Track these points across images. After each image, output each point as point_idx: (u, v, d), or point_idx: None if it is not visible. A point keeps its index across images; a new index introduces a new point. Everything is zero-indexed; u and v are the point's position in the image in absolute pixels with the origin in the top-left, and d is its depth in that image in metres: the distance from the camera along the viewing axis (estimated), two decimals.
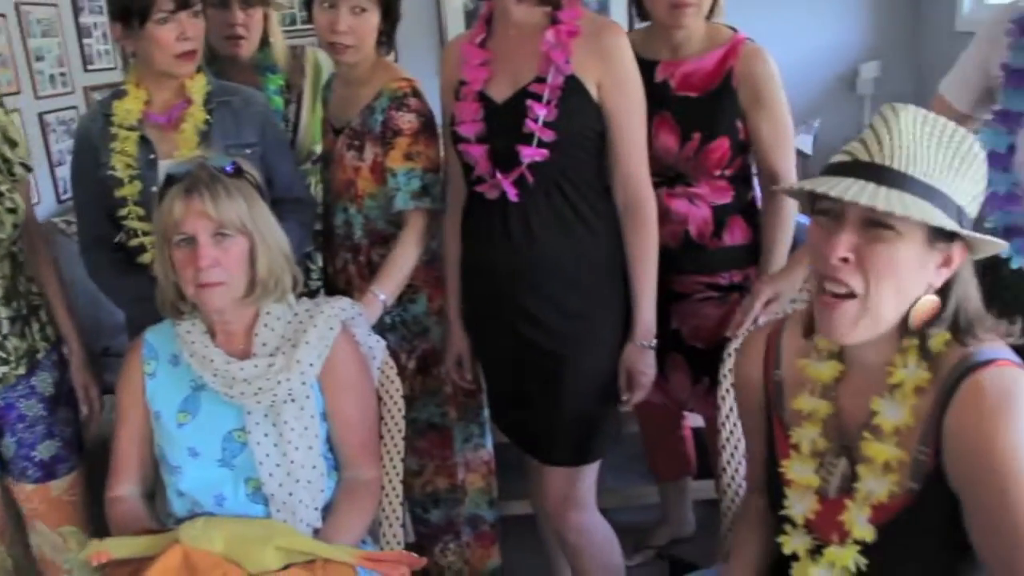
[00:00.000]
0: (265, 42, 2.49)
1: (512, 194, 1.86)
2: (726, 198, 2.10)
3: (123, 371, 1.81)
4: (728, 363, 1.82)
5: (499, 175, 1.87)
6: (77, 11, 3.80)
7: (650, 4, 2.02)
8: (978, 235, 1.18)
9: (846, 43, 4.09)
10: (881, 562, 1.24)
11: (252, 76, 2.47)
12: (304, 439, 1.72)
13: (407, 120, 2.05)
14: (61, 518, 2.08)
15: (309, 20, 2.11)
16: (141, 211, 2.02)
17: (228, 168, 1.69)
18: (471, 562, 2.43)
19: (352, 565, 1.64)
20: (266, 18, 2.48)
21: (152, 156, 2.03)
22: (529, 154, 1.84)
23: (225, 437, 1.73)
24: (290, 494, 1.71)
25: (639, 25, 2.19)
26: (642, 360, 1.94)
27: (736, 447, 1.81)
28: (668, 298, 2.08)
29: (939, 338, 1.21)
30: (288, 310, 1.77)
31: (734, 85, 2.02)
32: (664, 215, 2.02)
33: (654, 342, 1.95)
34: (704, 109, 2.03)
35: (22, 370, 1.95)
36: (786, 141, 2.07)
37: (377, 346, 1.90)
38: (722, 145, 2.03)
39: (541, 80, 1.85)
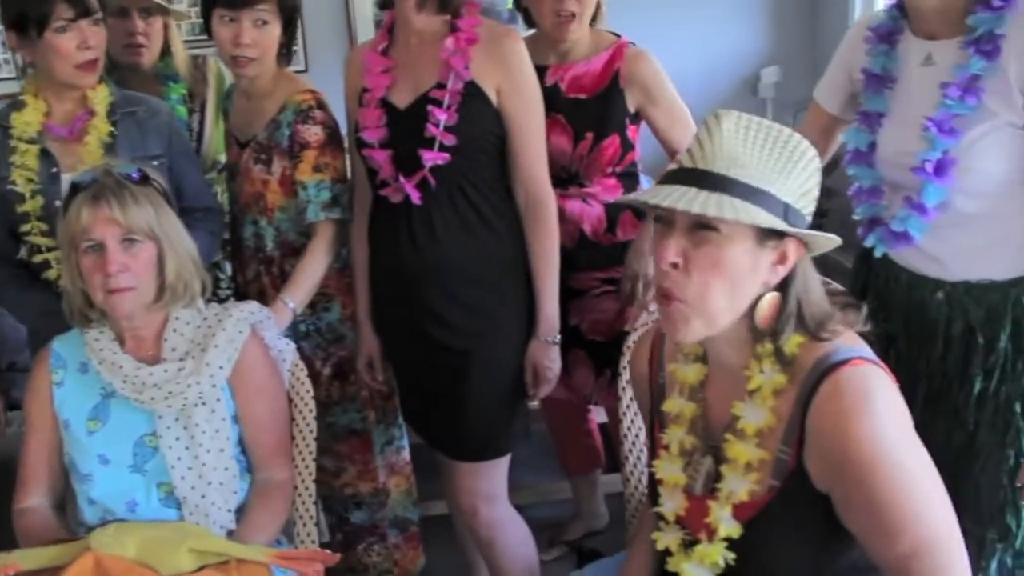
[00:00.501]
0: (166, 51, 2.49)
1: (415, 197, 1.92)
2: (617, 195, 2.22)
3: (31, 382, 1.81)
4: (627, 356, 1.89)
5: (402, 179, 1.92)
6: None
7: (537, 15, 2.17)
8: (804, 232, 1.22)
9: (747, 49, 4.23)
10: (749, 555, 1.30)
11: (154, 86, 2.46)
12: (215, 442, 1.75)
13: (313, 133, 2.06)
14: None
15: (208, 33, 2.10)
16: (44, 226, 1.99)
17: (134, 175, 1.71)
18: (401, 564, 2.46)
19: (266, 564, 1.67)
20: (166, 27, 2.48)
21: (55, 170, 2.01)
22: (430, 158, 1.89)
23: (136, 443, 1.74)
24: (203, 497, 1.74)
25: (525, 32, 2.26)
26: (547, 355, 2.00)
27: (637, 436, 1.88)
28: (566, 296, 2.13)
29: (792, 341, 1.27)
30: (197, 315, 1.79)
31: (621, 85, 2.17)
32: (559, 216, 2.08)
33: (558, 337, 2.01)
34: (595, 109, 2.18)
35: None
36: (683, 120, 2.24)
37: (287, 349, 1.93)
38: (613, 142, 2.19)
39: (442, 86, 1.90)
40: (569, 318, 2.22)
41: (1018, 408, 1.73)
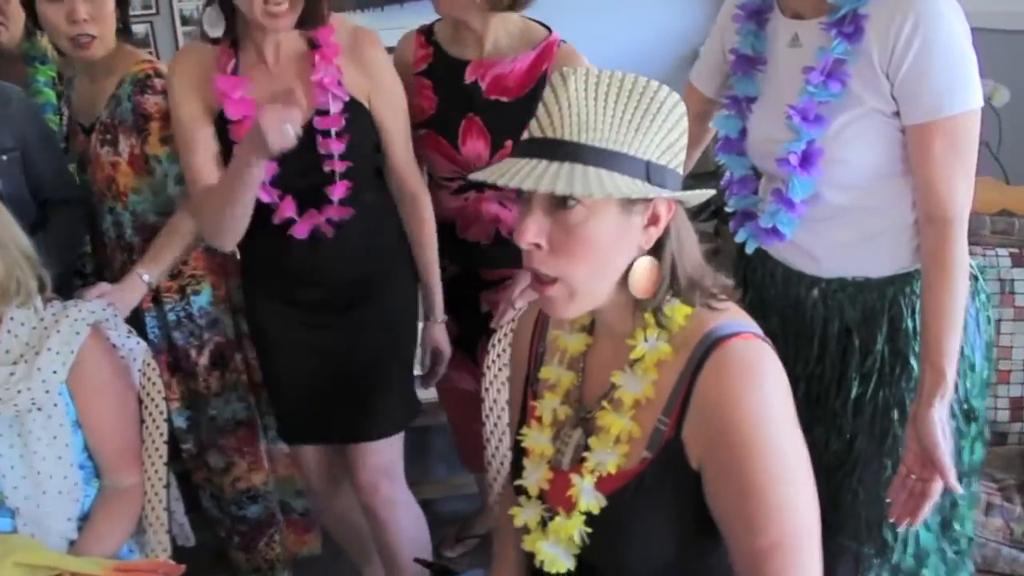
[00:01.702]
0: (33, 31, 2.36)
1: (329, 231, 1.89)
2: None
3: None
4: (492, 353, 1.82)
5: (313, 214, 1.87)
6: None
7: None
8: (665, 192, 1.12)
9: (686, 26, 4.14)
10: (609, 533, 1.22)
11: (20, 67, 2.36)
12: (52, 449, 1.66)
13: (154, 102, 1.95)
14: None
15: (34, 20, 1.98)
16: None
17: None
18: (287, 548, 2.40)
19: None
20: (29, 4, 2.35)
21: None
22: (339, 193, 1.86)
23: None
24: (38, 507, 1.65)
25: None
26: (442, 335, 2.11)
27: (501, 439, 1.81)
28: (478, 286, 2.13)
29: (679, 311, 1.19)
30: (34, 315, 1.69)
31: None
32: (475, 217, 2.06)
33: (445, 318, 2.10)
34: (516, 114, 1.93)
35: None
36: None
37: (137, 348, 1.84)
38: None
39: (323, 112, 1.83)
40: (480, 305, 2.16)
41: (895, 415, 1.64)
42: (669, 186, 1.14)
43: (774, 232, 1.64)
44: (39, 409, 1.65)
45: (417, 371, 2.17)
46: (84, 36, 1.92)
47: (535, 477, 1.31)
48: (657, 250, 1.18)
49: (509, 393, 1.56)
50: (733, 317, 1.21)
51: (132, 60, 2.01)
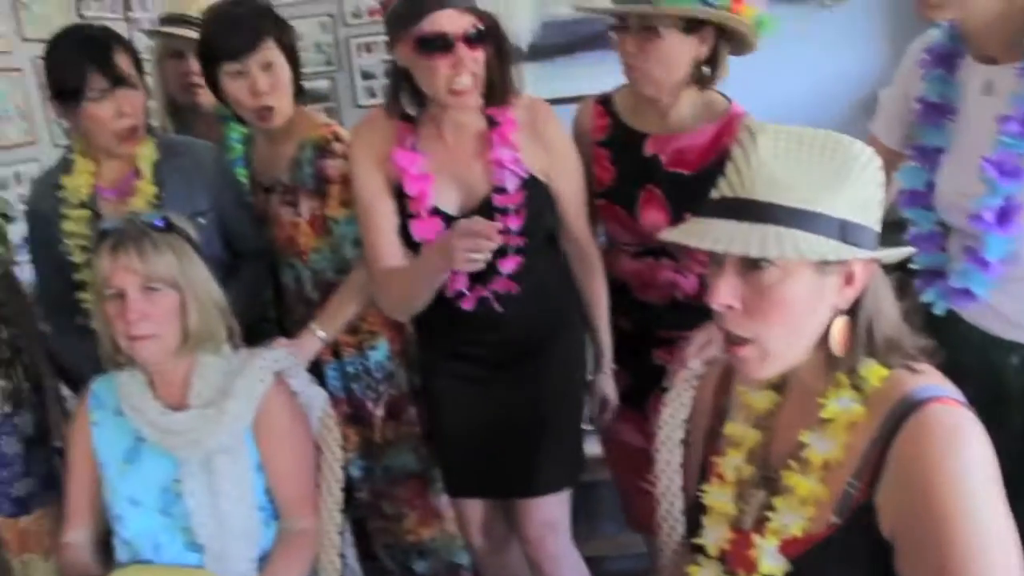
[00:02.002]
0: None
1: (497, 305, 1.91)
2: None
3: (73, 421, 1.87)
4: (665, 413, 1.78)
5: (480, 289, 1.90)
6: None
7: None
8: (861, 252, 1.08)
9: (863, 70, 3.99)
10: None
11: (215, 125, 2.50)
12: (237, 490, 1.74)
13: (334, 167, 2.02)
14: (25, 546, 2.13)
15: (217, 95, 2.08)
16: None
17: (158, 223, 1.72)
18: None
19: None
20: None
21: None
22: (509, 267, 1.89)
23: (163, 487, 1.75)
24: (222, 545, 1.73)
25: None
26: (610, 384, 2.11)
27: (673, 502, 1.76)
28: (652, 343, 2.11)
29: (874, 372, 1.15)
30: (223, 361, 1.79)
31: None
32: (651, 281, 2.05)
33: (614, 367, 2.10)
34: (697, 188, 1.90)
35: (7, 408, 2.01)
36: None
37: (317, 396, 1.91)
38: None
39: (501, 190, 1.86)
40: (653, 358, 2.12)
41: None
42: (864, 245, 1.10)
43: (966, 293, 1.53)
44: (226, 452, 1.73)
45: (585, 425, 2.15)
46: (265, 108, 2.01)
47: (715, 536, 1.27)
48: (853, 309, 1.14)
49: (689, 448, 1.53)
50: (932, 380, 1.15)
51: (311, 124, 2.09)
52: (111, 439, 1.80)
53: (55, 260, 2.04)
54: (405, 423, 2.22)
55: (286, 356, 1.86)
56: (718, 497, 1.28)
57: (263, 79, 1.99)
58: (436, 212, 1.90)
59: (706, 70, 1.91)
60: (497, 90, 1.84)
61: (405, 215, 1.91)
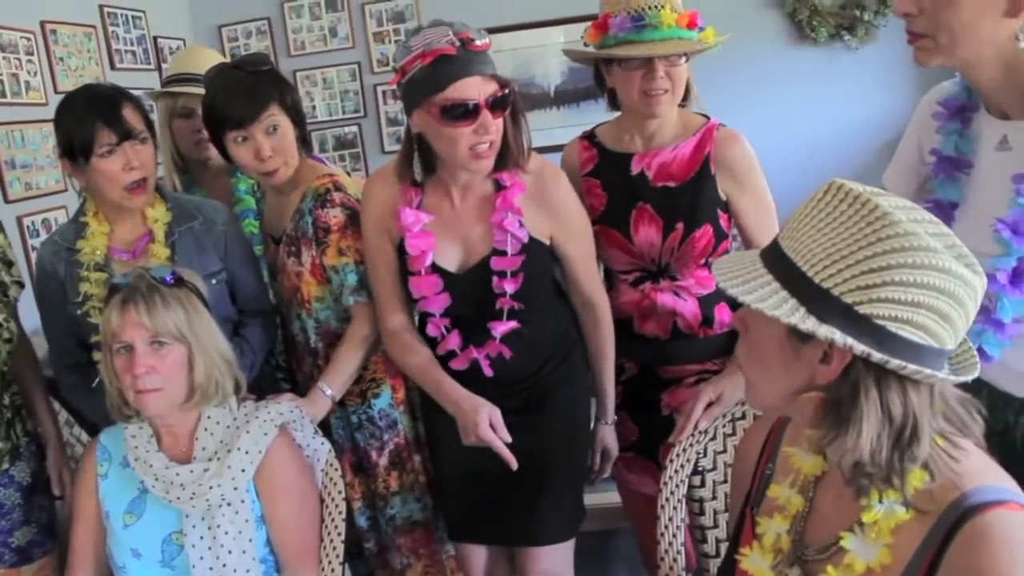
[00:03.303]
0: None
1: (487, 369, 1.93)
2: (710, 287, 2.05)
3: (79, 471, 1.88)
4: (669, 469, 1.75)
5: (473, 350, 1.93)
6: None
7: (623, 94, 2.00)
8: (827, 332, 1.02)
9: (893, 111, 3.96)
10: None
11: (224, 178, 2.54)
12: (238, 543, 1.73)
13: (333, 216, 2.04)
14: None
15: (225, 156, 2.11)
16: None
17: (167, 278, 1.74)
18: None
19: None
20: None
21: None
22: (503, 330, 1.91)
23: (165, 539, 1.76)
24: None
25: (607, 116, 2.17)
26: (611, 435, 2.12)
27: (675, 559, 1.74)
28: (658, 385, 2.11)
29: (916, 475, 1.08)
30: (228, 414, 1.80)
31: (713, 171, 1.99)
32: (651, 309, 2.06)
33: (615, 419, 2.13)
34: (685, 198, 2.00)
35: (5, 465, 2.02)
36: (769, 220, 2.05)
37: (321, 448, 1.91)
38: (706, 233, 2.00)
39: (500, 253, 1.88)
40: (661, 408, 2.12)
41: None
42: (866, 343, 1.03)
43: (980, 353, 1.48)
44: (228, 504, 1.73)
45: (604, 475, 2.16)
46: (270, 169, 2.05)
47: None
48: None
49: (729, 505, 1.49)
50: (986, 477, 1.07)
51: (314, 174, 2.11)
52: (116, 490, 1.81)
53: (66, 320, 2.06)
54: (409, 472, 2.20)
55: (291, 409, 1.87)
56: (756, 563, 1.24)
57: (267, 144, 2.03)
58: (435, 269, 1.92)
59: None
60: (510, 154, 1.85)
61: (405, 271, 1.94)
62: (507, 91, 1.79)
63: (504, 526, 2.06)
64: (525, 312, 1.92)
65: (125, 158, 1.93)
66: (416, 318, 2.05)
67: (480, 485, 2.01)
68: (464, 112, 1.74)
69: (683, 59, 1.93)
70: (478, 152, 1.78)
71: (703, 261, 2.03)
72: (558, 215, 1.93)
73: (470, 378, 1.93)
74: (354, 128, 4.41)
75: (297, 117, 2.09)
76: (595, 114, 3.53)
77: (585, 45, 2.03)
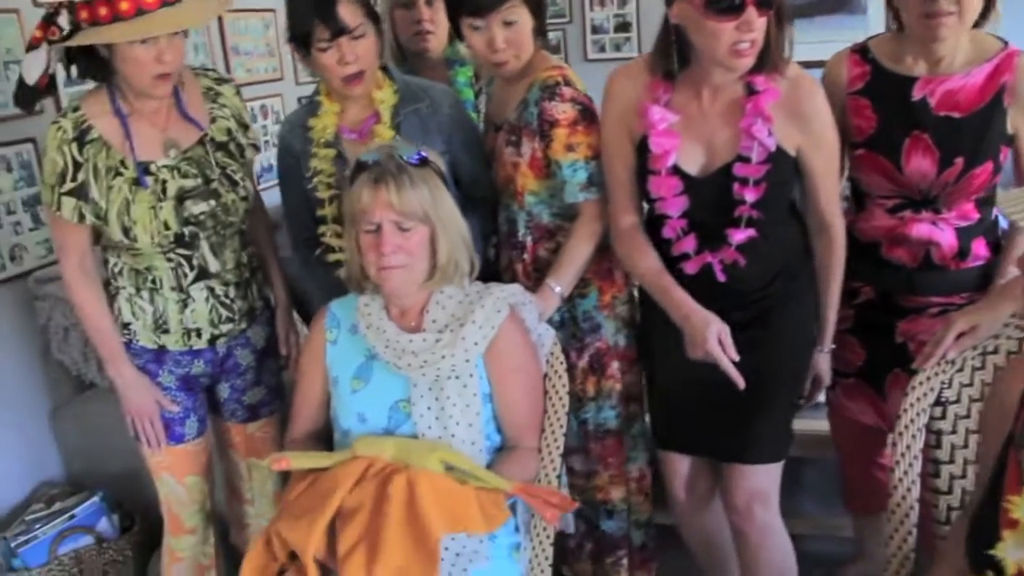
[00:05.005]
0: (453, 37, 2.52)
1: (720, 274, 1.88)
2: (972, 219, 1.95)
3: (308, 336, 1.95)
4: (911, 396, 1.67)
5: (708, 254, 1.88)
6: None
7: (904, 12, 1.87)
8: None
9: None
10: None
11: (442, 70, 2.54)
12: (465, 416, 1.77)
13: (561, 110, 1.99)
14: (250, 451, 2.26)
15: (459, 35, 2.09)
16: (339, 228, 2.10)
17: (414, 159, 1.76)
18: None
19: (505, 491, 1.71)
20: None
21: (348, 172, 2.12)
22: (740, 238, 1.85)
23: (392, 406, 1.81)
24: None
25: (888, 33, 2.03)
26: (826, 363, 2.06)
27: (909, 489, 1.66)
28: (895, 312, 2.03)
29: None
30: (459, 291, 1.82)
31: (1006, 104, 1.85)
32: (903, 237, 1.97)
33: (833, 346, 2.06)
34: (970, 131, 1.87)
35: (244, 325, 2.13)
36: None
37: (546, 334, 1.91)
38: (986, 170, 1.89)
39: (744, 160, 1.82)
40: (895, 335, 2.05)
41: None
42: None
43: None
44: (456, 377, 1.76)
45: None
46: (500, 60, 2.02)
47: (1018, 554, 1.18)
48: None
49: (980, 446, 1.43)
50: None
51: (544, 65, 2.07)
52: (345, 356, 1.87)
53: (301, 195, 2.14)
54: (607, 378, 2.18)
55: (522, 291, 1.87)
56: None
57: (501, 36, 1.99)
58: (676, 171, 1.87)
59: None
60: (769, 56, 1.77)
61: (645, 169, 1.90)
62: None
63: (713, 441, 2.04)
64: (763, 223, 1.85)
65: (339, 53, 1.96)
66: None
67: (696, 397, 1.99)
68: (729, 6, 1.66)
69: None
70: (739, 50, 1.70)
71: (975, 198, 1.92)
72: (810, 128, 1.83)
73: (699, 284, 1.88)
74: (558, 33, 4.35)
75: (537, 8, 2.05)
76: (808, 33, 3.39)
77: None
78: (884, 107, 1.93)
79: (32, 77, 1.82)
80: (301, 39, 1.97)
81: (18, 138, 2.58)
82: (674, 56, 1.82)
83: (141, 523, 2.62)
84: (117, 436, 2.58)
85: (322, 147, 2.09)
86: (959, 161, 1.86)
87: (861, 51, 1.99)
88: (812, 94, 1.84)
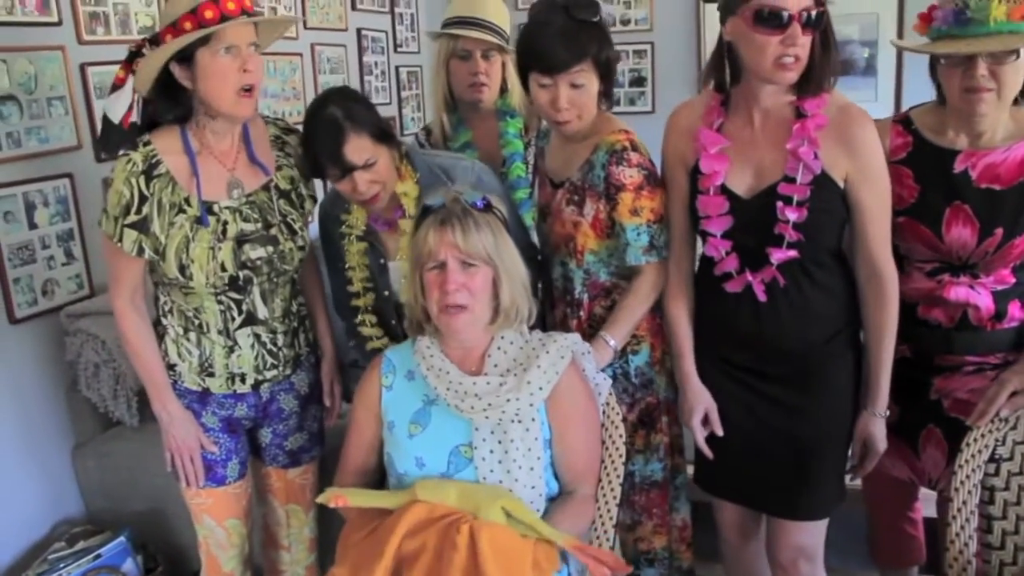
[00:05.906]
0: (504, 88, 2.60)
1: (761, 295, 1.92)
2: (1008, 283, 1.99)
3: (362, 383, 1.95)
4: (966, 453, 1.71)
5: (748, 275, 1.91)
6: (361, 51, 4.21)
7: (946, 89, 1.92)
8: None
9: None
10: None
11: (492, 121, 2.61)
12: (527, 460, 1.79)
13: (628, 175, 2.02)
14: (290, 497, 2.25)
15: (525, 87, 2.12)
16: (374, 318, 2.21)
17: (479, 203, 1.81)
18: None
19: (558, 545, 1.73)
20: (504, 66, 2.59)
21: (382, 261, 2.19)
22: (779, 257, 1.88)
23: (452, 451, 1.81)
24: None
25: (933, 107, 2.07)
26: (879, 429, 1.98)
27: (967, 544, 1.69)
28: (930, 371, 2.06)
29: None
30: (520, 337, 1.85)
31: None
32: (941, 299, 1.99)
33: (887, 412, 1.98)
34: (1010, 203, 1.91)
35: (288, 371, 2.14)
36: None
37: (603, 383, 1.94)
38: None
39: (789, 180, 1.86)
40: (929, 392, 2.07)
41: None
42: None
43: None
44: (519, 421, 1.78)
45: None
46: (562, 120, 2.05)
47: None
48: None
49: None
50: None
51: (609, 128, 2.08)
52: (401, 401, 1.88)
53: (340, 273, 2.25)
54: (656, 432, 2.19)
55: (581, 341, 1.90)
56: None
57: (566, 96, 2.02)
58: (723, 191, 1.92)
59: None
60: (814, 77, 1.83)
61: (695, 190, 1.96)
62: (822, 10, 1.77)
63: (760, 493, 2.05)
64: (804, 248, 1.88)
65: (353, 183, 2.02)
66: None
67: (738, 447, 2.01)
68: (776, 21, 1.74)
69: (1014, 56, 1.81)
70: (783, 64, 1.77)
71: (1012, 266, 1.96)
72: (857, 155, 1.85)
73: (746, 313, 1.94)
74: None
75: (606, 74, 2.08)
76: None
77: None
78: (926, 177, 1.98)
79: (117, 115, 1.84)
80: (317, 175, 2.08)
81: (55, 173, 2.58)
82: (726, 68, 1.89)
83: (165, 564, 2.59)
84: (140, 475, 2.59)
85: (354, 243, 2.18)
86: (999, 232, 1.91)
87: (903, 122, 2.05)
88: (861, 123, 1.87)
